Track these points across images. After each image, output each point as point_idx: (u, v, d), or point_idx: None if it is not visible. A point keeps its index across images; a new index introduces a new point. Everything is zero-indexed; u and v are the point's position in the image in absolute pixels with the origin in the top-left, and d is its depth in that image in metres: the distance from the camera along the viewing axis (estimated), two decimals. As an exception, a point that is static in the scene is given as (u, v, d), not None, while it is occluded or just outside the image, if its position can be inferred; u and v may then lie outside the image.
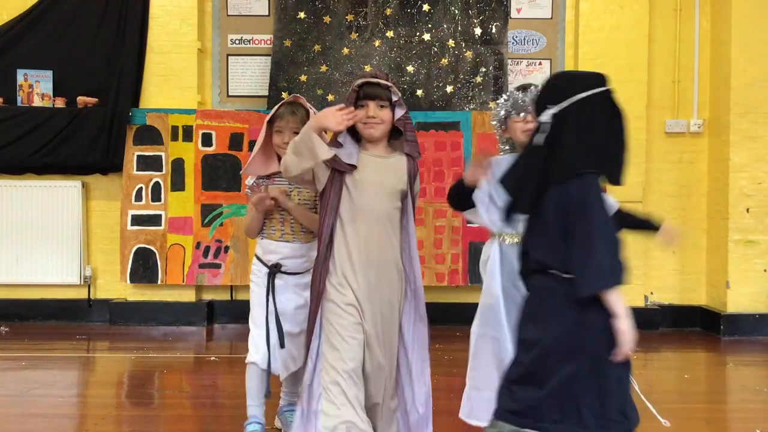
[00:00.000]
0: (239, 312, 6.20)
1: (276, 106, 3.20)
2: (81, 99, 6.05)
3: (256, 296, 3.24)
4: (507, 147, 3.13)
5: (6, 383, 4.36)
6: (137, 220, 5.98)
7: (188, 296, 6.12)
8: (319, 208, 2.88)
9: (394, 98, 2.77)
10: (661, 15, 6.28)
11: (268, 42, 6.28)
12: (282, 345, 3.12)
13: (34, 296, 6.20)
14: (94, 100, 6.07)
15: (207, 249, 5.98)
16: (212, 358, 5.06)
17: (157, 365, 4.82)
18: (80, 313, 6.21)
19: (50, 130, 5.98)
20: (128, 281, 5.99)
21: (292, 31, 6.19)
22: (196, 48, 6.14)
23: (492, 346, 3.05)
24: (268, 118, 3.18)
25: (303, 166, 2.67)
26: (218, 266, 5.97)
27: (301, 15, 6.18)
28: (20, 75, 6.10)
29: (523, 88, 3.06)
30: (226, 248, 5.98)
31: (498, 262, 3.04)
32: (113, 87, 6.04)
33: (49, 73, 6.12)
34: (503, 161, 2.92)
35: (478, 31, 6.20)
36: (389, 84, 2.76)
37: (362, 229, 2.73)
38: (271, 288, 3.17)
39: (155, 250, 5.97)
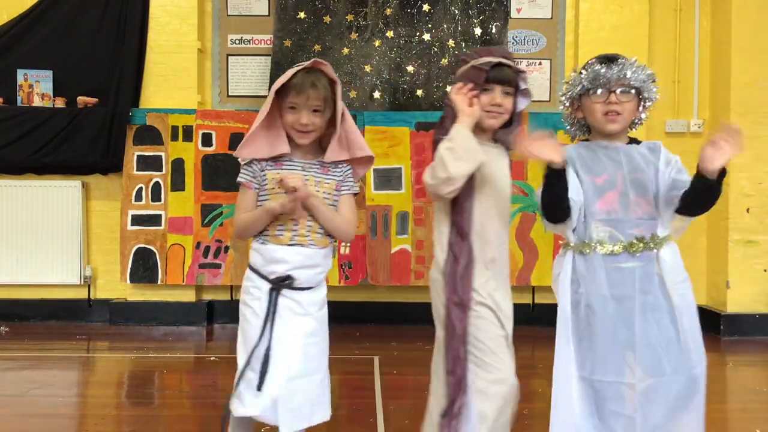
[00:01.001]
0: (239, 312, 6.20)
1: (288, 72, 2.47)
2: (81, 99, 6.05)
3: (252, 323, 2.44)
4: (574, 130, 2.59)
5: (6, 383, 4.36)
6: (137, 220, 5.98)
7: (188, 296, 6.12)
8: (439, 208, 2.43)
9: (522, 86, 2.43)
10: (661, 15, 6.28)
11: (268, 42, 6.28)
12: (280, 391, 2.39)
13: (34, 296, 6.20)
14: (94, 100, 6.07)
15: (207, 249, 5.98)
16: (212, 358, 5.06)
17: (157, 365, 4.82)
18: (80, 313, 6.21)
19: (50, 130, 5.98)
20: (128, 281, 5.99)
21: (292, 31, 6.18)
22: (196, 48, 6.14)
23: (577, 387, 2.38)
24: (276, 86, 2.49)
25: (465, 172, 2.25)
26: (218, 266, 5.97)
27: (301, 15, 6.18)
28: (20, 75, 6.10)
29: (608, 59, 2.59)
30: (226, 248, 5.98)
31: (570, 277, 2.42)
32: (113, 87, 6.04)
33: (49, 73, 6.12)
34: (571, 150, 2.45)
35: (478, 31, 6.20)
36: (522, 69, 2.44)
37: (491, 227, 2.39)
38: (273, 311, 2.42)
39: (155, 250, 5.97)
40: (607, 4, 6.15)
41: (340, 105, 2.49)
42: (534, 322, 6.02)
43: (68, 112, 6.03)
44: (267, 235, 2.47)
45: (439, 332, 2.41)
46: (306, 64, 2.47)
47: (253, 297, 2.46)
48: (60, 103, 6.08)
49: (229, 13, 6.34)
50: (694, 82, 6.28)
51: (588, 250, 2.37)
